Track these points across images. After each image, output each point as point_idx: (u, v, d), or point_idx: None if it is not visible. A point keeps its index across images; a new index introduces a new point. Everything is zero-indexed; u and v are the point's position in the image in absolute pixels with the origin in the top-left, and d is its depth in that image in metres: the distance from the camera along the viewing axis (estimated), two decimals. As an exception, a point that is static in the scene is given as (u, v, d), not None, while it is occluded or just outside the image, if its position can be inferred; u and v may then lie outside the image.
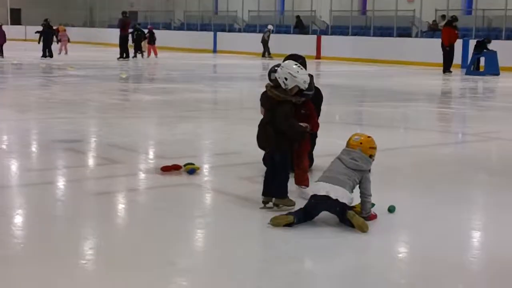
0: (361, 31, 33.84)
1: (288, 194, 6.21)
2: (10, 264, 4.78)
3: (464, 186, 7.48)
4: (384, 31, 32.62)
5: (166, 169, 7.53)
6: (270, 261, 4.93)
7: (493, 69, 24.06)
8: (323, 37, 34.11)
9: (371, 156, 5.91)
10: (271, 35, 33.95)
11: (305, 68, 7.40)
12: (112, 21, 44.94)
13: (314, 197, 5.70)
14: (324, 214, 5.83)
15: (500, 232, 5.76)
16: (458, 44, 27.96)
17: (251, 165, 7.69)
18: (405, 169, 8.11)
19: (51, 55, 29.82)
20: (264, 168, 7.53)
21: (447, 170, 8.21)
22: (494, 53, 24.23)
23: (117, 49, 30.46)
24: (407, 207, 6.29)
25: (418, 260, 5.06)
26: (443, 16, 30.95)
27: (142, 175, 7.58)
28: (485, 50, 24.32)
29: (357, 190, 5.79)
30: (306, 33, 35.89)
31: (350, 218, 5.51)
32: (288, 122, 6.02)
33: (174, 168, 7.56)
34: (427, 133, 11.18)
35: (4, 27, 31.63)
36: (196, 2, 44.43)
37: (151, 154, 9.06)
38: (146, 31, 32.48)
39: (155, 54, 32.44)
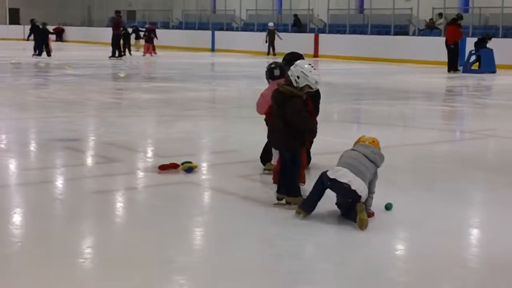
0: (359, 29, 33.86)
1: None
2: (9, 262, 4.80)
3: (462, 183, 7.50)
4: (381, 30, 32.64)
5: (164, 168, 7.55)
6: (269, 259, 4.95)
7: (489, 67, 24.08)
8: (321, 36, 34.14)
9: None
10: (278, 32, 34.10)
11: None
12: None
13: (333, 181, 5.72)
14: (324, 210, 5.86)
15: (498, 229, 5.78)
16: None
17: (249, 163, 7.71)
18: (402, 167, 8.13)
19: (39, 54, 29.98)
20: (262, 166, 7.60)
21: (444, 168, 8.24)
22: (490, 51, 24.24)
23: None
24: (404, 205, 6.31)
25: (417, 258, 5.08)
26: (440, 15, 30.99)
27: (140, 174, 7.59)
28: (484, 48, 24.29)
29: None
30: (304, 31, 35.91)
31: (358, 210, 5.54)
32: (300, 115, 6.07)
33: (172, 167, 7.57)
34: (425, 131, 11.20)
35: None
36: (194, 1, 44.45)
37: (149, 153, 9.08)
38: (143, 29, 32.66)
39: (150, 52, 32.54)
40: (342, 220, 5.79)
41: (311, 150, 7.55)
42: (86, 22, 54.37)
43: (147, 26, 35.08)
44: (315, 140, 7.51)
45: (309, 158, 7.43)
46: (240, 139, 9.64)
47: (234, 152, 8.83)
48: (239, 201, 6.51)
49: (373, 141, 6.06)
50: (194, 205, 6.43)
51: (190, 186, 7.06)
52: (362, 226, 5.51)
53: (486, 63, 24.13)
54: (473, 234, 5.79)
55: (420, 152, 9.21)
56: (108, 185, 7.04)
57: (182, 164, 7.59)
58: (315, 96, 7.18)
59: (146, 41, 33.28)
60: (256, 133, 7.66)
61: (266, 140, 6.99)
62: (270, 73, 7.51)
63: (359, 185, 5.67)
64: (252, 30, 38.52)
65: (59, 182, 7.28)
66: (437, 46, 28.81)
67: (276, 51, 32.87)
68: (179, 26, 44.27)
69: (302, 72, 6.07)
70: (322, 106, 7.71)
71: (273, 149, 7.45)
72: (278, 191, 6.30)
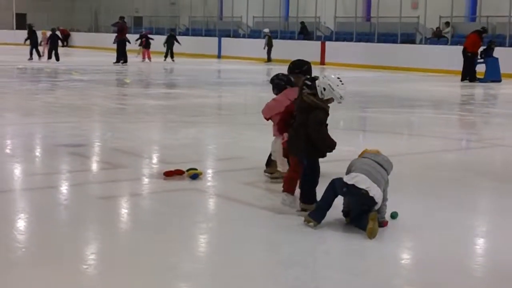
0: (365, 37, 33.85)
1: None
2: (13, 268, 4.79)
3: (468, 192, 7.47)
4: (388, 38, 32.62)
5: (169, 174, 7.53)
6: (273, 266, 4.93)
7: (495, 75, 23.96)
8: (328, 43, 34.15)
9: None
10: (274, 39, 34.13)
11: (311, 74, 7.46)
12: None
13: (350, 187, 5.69)
14: (331, 218, 5.83)
15: (504, 239, 5.76)
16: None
17: (254, 170, 7.69)
18: (408, 175, 8.10)
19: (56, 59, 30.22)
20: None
21: (450, 176, 8.20)
22: (496, 60, 24.16)
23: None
24: (410, 213, 6.28)
25: (421, 266, 5.06)
26: (447, 23, 30.97)
27: (145, 180, 7.58)
28: (490, 56, 24.19)
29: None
30: (311, 39, 35.93)
31: (371, 218, 5.51)
32: (320, 129, 6.07)
33: (177, 173, 7.56)
34: (431, 139, 11.17)
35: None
36: (201, 8, 44.53)
37: (154, 159, 9.07)
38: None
39: (149, 58, 32.74)
40: (348, 228, 5.77)
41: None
42: (92, 28, 54.51)
43: (144, 32, 35.27)
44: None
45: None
46: (246, 146, 9.63)
47: (240, 159, 8.81)
48: (244, 208, 6.50)
49: (378, 152, 6.07)
50: (199, 211, 6.41)
51: (195, 192, 7.04)
52: (372, 234, 5.48)
53: (491, 71, 24.03)
54: (480, 243, 5.76)
55: (427, 161, 9.18)
56: (113, 191, 7.03)
57: (188, 170, 7.57)
58: None
59: (144, 47, 33.54)
60: (262, 140, 7.65)
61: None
62: (278, 84, 7.56)
63: (376, 192, 5.65)
64: (258, 37, 38.50)
65: (64, 188, 7.28)
66: (443, 55, 28.86)
67: (283, 58, 32.86)
68: (185, 33, 44.32)
69: (329, 85, 6.05)
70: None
71: (275, 156, 7.44)
72: (304, 202, 6.28)
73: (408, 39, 32.07)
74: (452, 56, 28.48)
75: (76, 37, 50.61)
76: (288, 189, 6.52)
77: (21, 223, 5.90)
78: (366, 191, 5.62)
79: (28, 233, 5.69)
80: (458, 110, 16.07)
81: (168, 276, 4.66)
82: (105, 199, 6.71)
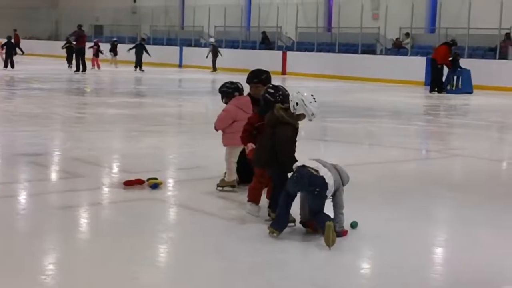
0: (326, 47, 34.06)
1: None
2: (-31, 278, 4.72)
3: (427, 202, 7.53)
4: (349, 48, 32.88)
5: (129, 184, 7.49)
6: (233, 276, 4.93)
7: (468, 87, 24.18)
8: (289, 53, 34.30)
9: None
10: (235, 49, 34.21)
11: (270, 82, 7.48)
12: (78, 34, 44.67)
13: (301, 169, 5.72)
14: (291, 228, 5.85)
15: (463, 248, 5.82)
16: (422, 62, 28.31)
17: (214, 179, 7.67)
18: (368, 185, 8.15)
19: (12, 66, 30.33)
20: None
21: (410, 186, 8.27)
22: (468, 72, 24.35)
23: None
24: (370, 223, 6.31)
25: (382, 276, 5.09)
26: (407, 34, 31.32)
27: (105, 189, 7.53)
28: (458, 69, 24.40)
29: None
30: (272, 48, 36.05)
31: (327, 227, 5.51)
32: (286, 144, 6.07)
33: (137, 183, 7.52)
34: (391, 149, 11.27)
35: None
36: (162, 17, 44.43)
37: (114, 168, 9.01)
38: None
39: (98, 67, 32.95)
40: (308, 238, 5.79)
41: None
42: (53, 36, 54.00)
43: (94, 40, 35.34)
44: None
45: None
46: (206, 155, 9.61)
47: (200, 168, 8.79)
48: (204, 217, 6.48)
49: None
50: (159, 221, 6.38)
51: (156, 202, 7.01)
52: (328, 243, 5.49)
53: (466, 83, 24.23)
54: (438, 252, 5.82)
55: (386, 171, 9.26)
56: (72, 201, 6.97)
57: (148, 180, 7.54)
58: None
59: (94, 55, 33.64)
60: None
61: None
62: (226, 92, 7.61)
63: (326, 172, 5.69)
64: (220, 47, 38.53)
65: (22, 197, 7.19)
66: (404, 65, 29.17)
67: (244, 67, 32.88)
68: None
69: (302, 100, 6.06)
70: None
71: (232, 164, 7.45)
72: (270, 208, 6.30)
73: (369, 49, 32.34)
74: (412, 66, 28.87)
75: (36, 45, 50.08)
76: (253, 198, 6.52)
77: (-23, 234, 5.82)
78: (317, 170, 5.66)
79: (-15, 244, 5.60)
80: (418, 120, 16.22)
81: (128, 286, 4.63)
82: (64, 209, 6.64)
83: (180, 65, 38.91)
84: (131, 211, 6.64)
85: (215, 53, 34.67)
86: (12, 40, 32.49)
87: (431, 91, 24.32)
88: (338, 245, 5.54)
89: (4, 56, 30.94)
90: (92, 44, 34.00)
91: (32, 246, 5.47)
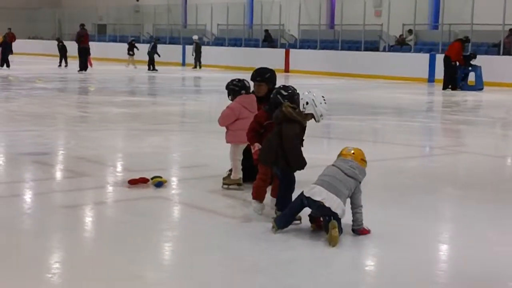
0: (329, 45, 34.02)
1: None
2: (-25, 278, 4.73)
3: (431, 199, 7.53)
4: (352, 45, 32.84)
5: (133, 182, 7.50)
6: (238, 274, 4.93)
7: (479, 84, 24.07)
8: (292, 51, 34.27)
9: None
10: (238, 47, 34.16)
11: (275, 82, 7.49)
12: (81, 34, 44.68)
13: (309, 200, 5.72)
14: (297, 226, 5.86)
15: (467, 245, 5.82)
16: (425, 58, 28.30)
17: (219, 178, 7.68)
18: (372, 182, 8.11)
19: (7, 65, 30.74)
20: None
21: (413, 183, 8.28)
22: (480, 68, 24.17)
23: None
24: (374, 220, 6.31)
25: (386, 273, 5.09)
26: (410, 31, 31.27)
27: (109, 188, 7.54)
28: (470, 67, 24.28)
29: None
30: (275, 46, 36.03)
31: (331, 227, 5.53)
32: (293, 142, 6.05)
33: (142, 181, 7.53)
34: (394, 146, 11.27)
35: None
36: (165, 16, 44.41)
37: (118, 167, 9.02)
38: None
39: (91, 65, 32.90)
40: (313, 235, 5.80)
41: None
42: (56, 36, 54.04)
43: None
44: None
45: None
46: (210, 154, 9.62)
47: (204, 167, 8.80)
48: (208, 216, 6.49)
49: (353, 153, 6.02)
50: (164, 220, 6.40)
51: (160, 200, 7.02)
52: (332, 242, 5.51)
53: (477, 80, 24.14)
54: (443, 249, 5.81)
55: (390, 168, 9.26)
56: (77, 200, 6.98)
57: (152, 178, 7.55)
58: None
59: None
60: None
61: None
62: (232, 90, 7.59)
63: (333, 202, 5.66)
64: (223, 45, 38.57)
65: (28, 197, 7.21)
66: (407, 62, 29.14)
67: (247, 66, 32.91)
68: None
69: (313, 100, 6.06)
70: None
71: (238, 162, 7.45)
72: (278, 208, 6.30)
73: (372, 46, 32.33)
74: (415, 63, 28.82)
75: (39, 45, 50.12)
76: (257, 196, 6.53)
77: (-17, 233, 5.83)
78: (322, 202, 5.65)
79: (-10, 243, 5.62)
80: (422, 117, 16.22)
81: (132, 285, 4.64)
82: (69, 208, 6.66)
83: (183, 64, 38.91)
84: (135, 210, 6.65)
85: (198, 51, 34.73)
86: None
87: (444, 88, 24.10)
88: (343, 242, 5.55)
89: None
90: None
91: (37, 244, 5.49)
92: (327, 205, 5.64)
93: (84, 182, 7.85)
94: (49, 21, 54.61)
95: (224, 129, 7.66)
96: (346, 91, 23.09)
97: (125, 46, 36.00)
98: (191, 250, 5.47)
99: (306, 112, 6.08)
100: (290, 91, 6.55)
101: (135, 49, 34.48)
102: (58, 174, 8.50)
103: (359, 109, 17.41)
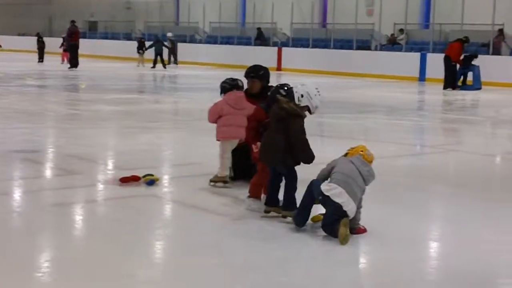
0: (322, 43, 34.04)
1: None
2: (-35, 276, 4.71)
3: (422, 197, 7.55)
4: (344, 44, 32.88)
5: (125, 180, 7.48)
6: (230, 272, 4.92)
7: (477, 83, 24.12)
8: (284, 49, 34.27)
9: None
10: (231, 45, 34.07)
11: (268, 79, 7.51)
12: (72, 30, 44.55)
13: (326, 198, 5.70)
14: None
15: (458, 242, 5.83)
16: (416, 58, 28.36)
17: (210, 176, 7.66)
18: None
19: None
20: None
21: (405, 182, 8.29)
22: (478, 68, 24.21)
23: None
24: (366, 218, 6.31)
25: (378, 270, 5.10)
26: (401, 30, 31.36)
27: (100, 186, 7.51)
28: (468, 67, 24.16)
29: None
30: (267, 45, 36.02)
31: (342, 224, 5.52)
32: (305, 138, 6.06)
33: (133, 179, 7.51)
34: (386, 144, 11.27)
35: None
36: (157, 13, 44.34)
37: (110, 165, 8.99)
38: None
39: (67, 60, 33.11)
40: (307, 233, 5.79)
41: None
42: (46, 32, 53.86)
43: (63, 35, 35.67)
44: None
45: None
46: (202, 152, 9.60)
47: (196, 165, 8.79)
48: (201, 214, 6.48)
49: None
50: (156, 218, 6.38)
51: (152, 199, 7.00)
52: (344, 240, 5.49)
53: (477, 79, 24.17)
54: (433, 247, 5.83)
55: (382, 166, 9.23)
56: (67, 198, 6.95)
57: (144, 176, 7.53)
58: None
59: (64, 50, 34.07)
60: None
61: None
62: (222, 88, 7.63)
63: (351, 207, 5.68)
64: (215, 43, 38.53)
65: (18, 195, 7.18)
66: (398, 61, 29.19)
67: (240, 64, 32.86)
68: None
69: (308, 93, 6.08)
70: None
71: (225, 159, 7.45)
72: (266, 204, 6.28)
73: (364, 45, 32.38)
74: (406, 62, 28.87)
75: (29, 42, 49.96)
76: (255, 194, 6.51)
77: (-27, 231, 5.80)
78: (341, 205, 5.64)
79: (-20, 241, 5.59)
80: (413, 116, 16.24)
81: (124, 283, 4.63)
82: (60, 206, 6.63)
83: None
84: (127, 208, 6.63)
85: (172, 48, 34.58)
86: None
87: (445, 88, 24.02)
88: (336, 240, 5.54)
89: None
90: (62, 40, 34.55)
91: (28, 243, 5.46)
92: (345, 209, 5.64)
93: (75, 180, 7.81)
94: (40, 18, 54.41)
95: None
96: (338, 90, 23.09)
97: (117, 43, 35.90)
98: (183, 248, 5.45)
99: (302, 104, 6.08)
100: (288, 90, 6.55)
101: (144, 48, 34.10)
102: (49, 172, 8.47)
103: (351, 108, 17.42)
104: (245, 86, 7.71)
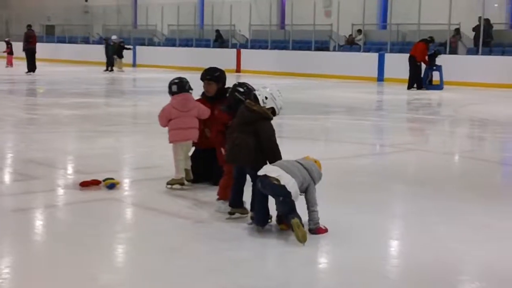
0: (280, 45, 34.18)
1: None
2: None
3: (383, 196, 7.62)
4: (302, 45, 33.04)
5: (85, 184, 7.43)
6: (193, 275, 4.92)
7: (441, 84, 24.34)
8: (243, 51, 34.33)
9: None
10: (189, 47, 33.94)
11: (225, 81, 7.54)
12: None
13: (263, 178, 5.73)
14: (249, 226, 5.87)
15: (418, 241, 5.89)
16: (374, 58, 28.62)
17: (171, 179, 7.64)
18: (326, 181, 8.14)
19: None
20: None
21: (366, 181, 8.35)
22: (441, 67, 24.46)
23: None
24: (328, 218, 6.35)
25: (339, 270, 5.14)
26: (359, 31, 31.59)
27: (60, 191, 7.45)
28: (434, 67, 24.44)
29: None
30: (226, 47, 36.05)
31: (295, 227, 5.52)
32: (274, 139, 6.10)
33: (93, 183, 7.46)
34: (347, 144, 11.35)
35: None
36: (115, 16, 44.07)
37: (70, 169, 8.92)
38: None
39: (11, 65, 33.62)
40: (267, 234, 5.81)
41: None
42: (3, 36, 53.20)
43: (6, 39, 35.78)
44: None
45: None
46: (162, 155, 9.55)
47: (157, 168, 8.76)
48: (162, 216, 6.46)
49: (315, 161, 6.12)
50: (117, 221, 6.35)
51: (113, 202, 6.97)
52: (303, 239, 5.51)
53: (440, 80, 24.43)
54: (394, 245, 5.88)
55: (343, 166, 9.33)
56: (27, 203, 6.88)
57: (104, 180, 7.48)
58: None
59: (8, 53, 34.34)
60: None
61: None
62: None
63: (288, 180, 5.67)
64: (174, 45, 38.43)
65: (-24, 201, 7.08)
66: (356, 62, 29.43)
67: (198, 66, 32.76)
68: (99, 41, 43.80)
69: (272, 94, 6.13)
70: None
71: (178, 161, 7.44)
72: (231, 206, 6.29)
73: (322, 46, 32.58)
74: (364, 63, 29.11)
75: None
76: (224, 196, 6.51)
77: None
78: (278, 179, 5.65)
79: None
80: (372, 116, 16.37)
81: (86, 287, 4.60)
82: (19, 211, 6.56)
83: (134, 65, 38.65)
84: (87, 212, 6.59)
85: (116, 51, 34.37)
86: None
87: (409, 87, 24.20)
88: (296, 241, 5.56)
89: None
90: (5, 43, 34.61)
91: (-13, 249, 5.39)
92: (282, 183, 5.64)
93: (34, 185, 7.74)
94: (-4, 22, 53.77)
95: None
96: (297, 91, 23.18)
97: (74, 47, 35.58)
98: (145, 251, 5.43)
99: (267, 106, 6.11)
100: (245, 88, 6.57)
101: (123, 52, 33.57)
102: (7, 177, 8.37)
103: (311, 108, 17.50)
104: (188, 84, 7.76)
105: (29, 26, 31.13)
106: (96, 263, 5.08)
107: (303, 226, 5.63)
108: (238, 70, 33.33)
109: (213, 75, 7.63)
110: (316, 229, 5.83)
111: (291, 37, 33.44)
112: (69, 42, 44.64)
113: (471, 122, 15.83)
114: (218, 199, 6.59)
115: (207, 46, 36.96)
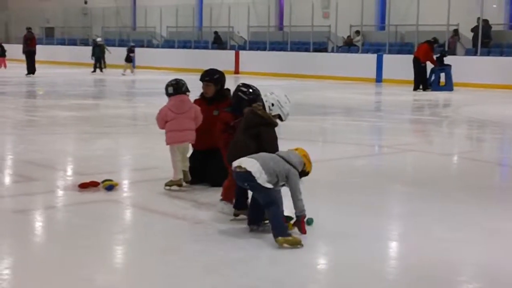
0: (279, 46, 34.21)
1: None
2: None
3: (380, 197, 7.64)
4: (300, 46, 33.07)
5: (84, 186, 7.46)
6: (190, 276, 4.94)
7: (449, 85, 24.33)
8: (241, 52, 34.36)
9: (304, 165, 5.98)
10: (188, 49, 33.90)
11: (224, 83, 7.56)
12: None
13: (233, 173, 5.78)
14: (247, 226, 5.91)
15: (416, 241, 5.91)
16: (373, 59, 28.65)
17: (169, 180, 7.67)
18: (323, 182, 8.22)
19: None
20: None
21: (363, 182, 8.38)
22: (449, 68, 24.43)
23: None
24: (325, 219, 6.39)
25: (337, 271, 5.16)
26: (358, 32, 31.61)
27: (59, 192, 7.48)
28: (442, 67, 24.43)
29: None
30: (224, 48, 36.07)
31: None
32: (275, 146, 6.13)
33: (92, 185, 7.49)
34: (344, 145, 11.38)
35: None
36: (114, 18, 44.08)
37: (68, 171, 8.95)
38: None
39: (5, 66, 33.44)
40: (263, 235, 5.83)
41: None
42: (3, 39, 53.20)
43: None
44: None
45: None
46: (161, 156, 9.56)
47: (155, 169, 8.78)
48: (160, 218, 6.49)
49: (296, 148, 6.06)
50: (115, 223, 6.38)
51: (111, 204, 6.99)
52: (298, 245, 5.54)
53: (448, 81, 24.42)
54: (392, 246, 5.90)
55: (340, 167, 9.36)
56: (26, 204, 6.91)
57: (103, 182, 7.51)
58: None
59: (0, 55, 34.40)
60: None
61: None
62: (165, 91, 7.68)
63: (250, 164, 5.61)
64: (172, 47, 38.46)
65: (-25, 202, 7.11)
66: (355, 63, 29.46)
67: (197, 67, 32.78)
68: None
69: (278, 101, 6.13)
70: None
71: (176, 163, 7.47)
72: (235, 207, 6.32)
73: (320, 47, 32.59)
74: (363, 64, 29.14)
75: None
76: (227, 197, 6.54)
77: None
78: (239, 165, 5.65)
79: None
80: (370, 117, 16.40)
81: (84, 289, 4.63)
82: (19, 212, 6.58)
83: (133, 66, 38.61)
84: (86, 213, 6.61)
85: (102, 52, 34.32)
86: None
87: (415, 89, 24.16)
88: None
89: None
90: None
91: (-14, 251, 5.42)
92: (243, 166, 5.60)
93: (33, 187, 7.77)
94: (-5, 24, 53.78)
95: None
96: (295, 92, 23.18)
97: (74, 48, 35.57)
98: (142, 252, 5.46)
99: (273, 113, 6.13)
100: (252, 90, 6.58)
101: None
102: (7, 179, 8.39)
103: (309, 109, 17.52)
104: (185, 86, 7.78)
105: (28, 28, 31.19)
106: (94, 264, 5.11)
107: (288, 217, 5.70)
108: (236, 71, 33.35)
109: (212, 77, 7.69)
110: (302, 217, 5.80)
111: (289, 39, 33.46)
112: (69, 44, 44.65)
113: (470, 123, 15.85)
114: (221, 199, 6.63)
115: (206, 47, 37.00)
